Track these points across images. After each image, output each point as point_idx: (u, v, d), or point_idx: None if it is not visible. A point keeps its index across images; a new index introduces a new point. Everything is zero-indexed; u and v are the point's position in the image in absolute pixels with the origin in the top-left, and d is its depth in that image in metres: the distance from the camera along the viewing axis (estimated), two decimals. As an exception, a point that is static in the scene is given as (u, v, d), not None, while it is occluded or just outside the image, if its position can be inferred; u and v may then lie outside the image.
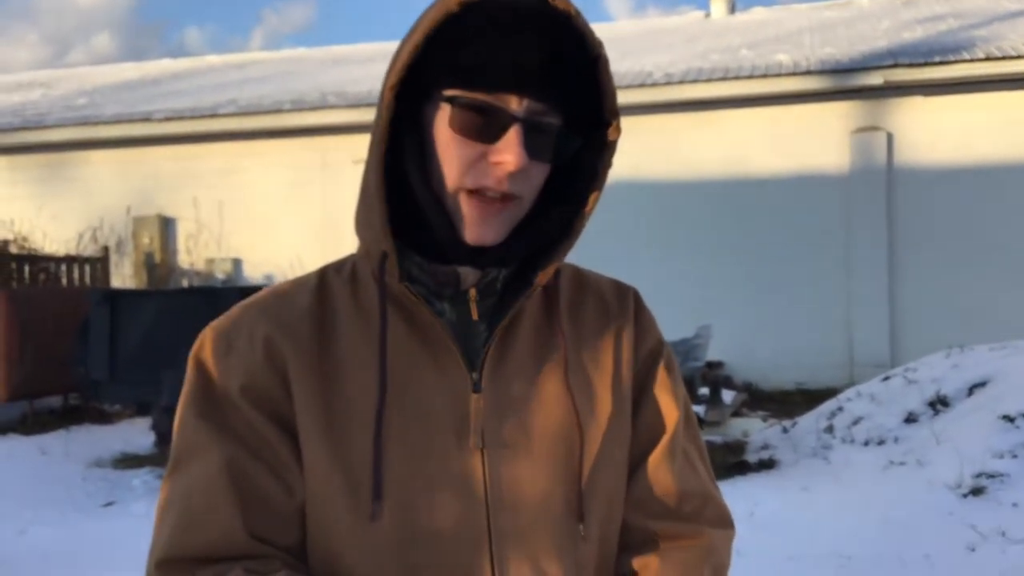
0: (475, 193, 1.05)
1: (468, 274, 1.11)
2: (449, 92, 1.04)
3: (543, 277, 1.11)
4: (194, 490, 1.05)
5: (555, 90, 1.04)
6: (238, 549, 1.03)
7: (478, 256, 1.09)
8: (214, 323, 1.14)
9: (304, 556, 1.07)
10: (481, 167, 1.04)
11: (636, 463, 1.18)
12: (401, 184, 1.09)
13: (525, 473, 1.09)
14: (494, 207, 1.06)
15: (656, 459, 1.18)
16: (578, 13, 1.04)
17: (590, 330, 1.19)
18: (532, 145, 1.03)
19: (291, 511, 1.07)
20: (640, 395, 1.20)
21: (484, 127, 1.03)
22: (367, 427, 1.06)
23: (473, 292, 1.12)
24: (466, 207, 1.06)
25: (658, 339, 1.24)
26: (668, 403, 1.20)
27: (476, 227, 1.06)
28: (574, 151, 1.09)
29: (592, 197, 1.12)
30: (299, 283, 1.17)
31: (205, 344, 1.12)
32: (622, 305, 1.23)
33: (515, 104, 1.03)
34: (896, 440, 6.58)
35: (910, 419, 6.79)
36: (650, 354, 1.22)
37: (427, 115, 1.07)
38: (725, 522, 1.21)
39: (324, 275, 1.18)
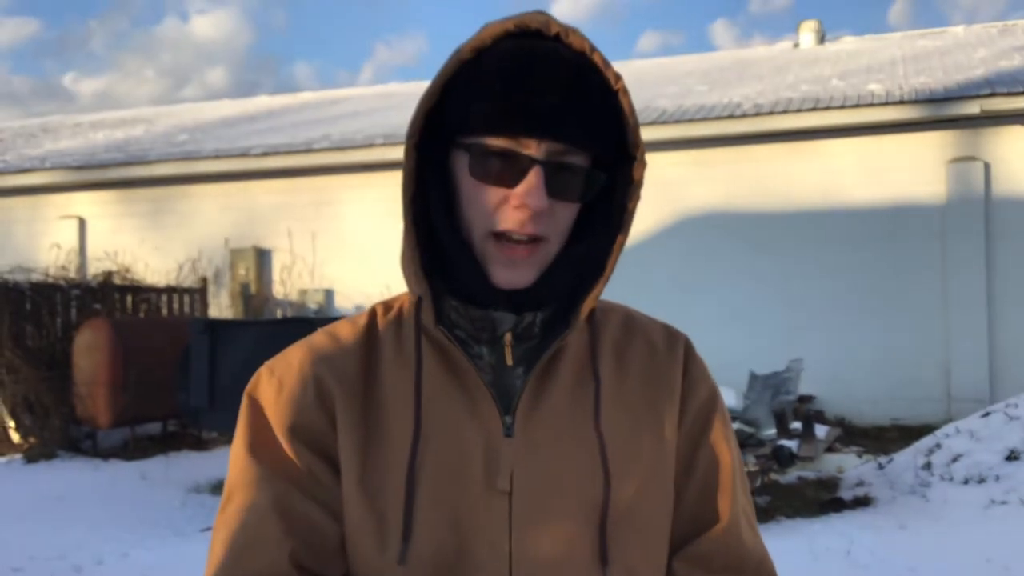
0: (502, 237, 1.06)
1: (504, 319, 1.11)
2: (468, 140, 1.05)
3: (578, 318, 1.11)
4: (244, 523, 1.08)
5: (575, 129, 1.03)
6: None
7: (511, 299, 1.09)
8: (269, 362, 1.17)
9: None
10: (504, 211, 1.05)
11: (695, 516, 1.18)
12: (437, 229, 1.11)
13: (550, 518, 1.09)
14: (521, 251, 1.06)
15: (719, 514, 1.18)
16: (593, 49, 1.06)
17: (635, 374, 1.18)
18: (555, 185, 1.04)
19: (340, 544, 1.10)
20: (696, 447, 1.19)
21: (503, 172, 1.04)
22: (400, 471, 1.08)
23: (508, 337, 1.12)
24: (494, 251, 1.07)
25: (711, 389, 1.22)
26: (725, 455, 1.20)
27: (505, 270, 1.07)
28: (600, 188, 1.09)
29: (619, 236, 1.12)
30: (351, 322, 1.19)
31: (260, 382, 1.15)
32: (671, 352, 1.21)
33: (534, 147, 1.03)
34: (997, 478, 6.40)
35: (1012, 456, 6.60)
36: (704, 405, 1.21)
37: (453, 162, 1.09)
38: None
39: (374, 314, 1.19)
